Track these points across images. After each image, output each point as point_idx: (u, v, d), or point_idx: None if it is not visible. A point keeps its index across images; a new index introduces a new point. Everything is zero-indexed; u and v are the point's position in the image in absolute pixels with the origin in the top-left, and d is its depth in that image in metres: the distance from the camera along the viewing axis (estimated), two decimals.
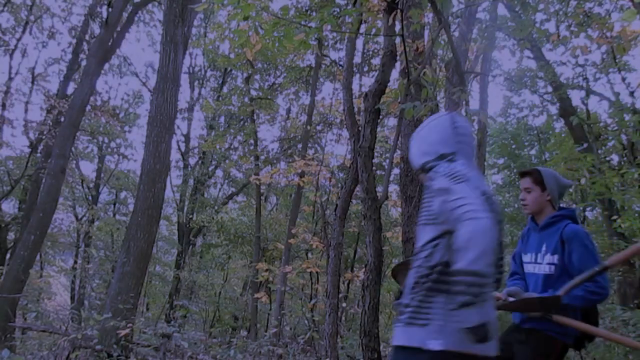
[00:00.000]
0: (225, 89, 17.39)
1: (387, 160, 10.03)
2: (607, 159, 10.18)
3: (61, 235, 17.95)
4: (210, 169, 18.09)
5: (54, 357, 6.12)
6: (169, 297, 14.81)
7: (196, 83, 18.66)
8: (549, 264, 2.55)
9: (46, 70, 18.12)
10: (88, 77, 9.72)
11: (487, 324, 1.51)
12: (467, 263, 1.44)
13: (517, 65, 12.71)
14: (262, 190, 15.34)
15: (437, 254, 1.65)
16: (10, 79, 14.69)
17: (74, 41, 14.42)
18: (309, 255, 14.41)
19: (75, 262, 17.65)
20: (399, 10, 5.20)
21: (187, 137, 18.29)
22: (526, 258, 2.71)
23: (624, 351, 4.22)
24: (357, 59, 11.00)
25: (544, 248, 2.59)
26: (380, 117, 6.37)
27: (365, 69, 12.19)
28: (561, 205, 2.71)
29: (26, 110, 15.01)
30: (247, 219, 17.14)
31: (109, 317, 5.89)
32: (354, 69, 9.46)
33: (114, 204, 20.30)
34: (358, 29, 6.68)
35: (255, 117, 14.97)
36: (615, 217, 8.18)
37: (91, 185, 18.68)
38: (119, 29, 10.27)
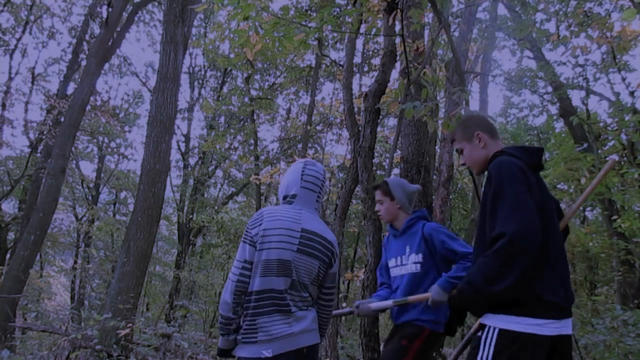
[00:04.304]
0: (225, 89, 17.39)
1: (387, 160, 10.01)
2: (607, 159, 10.17)
3: (61, 235, 17.94)
4: (210, 169, 18.09)
5: (54, 357, 6.12)
6: (169, 297, 14.80)
7: (196, 83, 18.66)
8: (414, 262, 2.76)
9: (46, 70, 18.22)
10: (88, 77, 9.71)
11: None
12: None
13: (517, 65, 12.72)
14: (262, 190, 15.34)
15: None
16: (10, 79, 14.70)
17: (74, 41, 14.43)
18: None
19: (75, 262, 17.65)
20: (399, 10, 5.20)
21: (187, 137, 18.29)
22: (391, 263, 2.92)
23: (624, 351, 4.22)
24: (357, 59, 11.01)
25: (407, 249, 2.81)
26: (380, 117, 6.37)
27: (365, 69, 12.19)
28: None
29: (26, 110, 15.03)
30: (247, 219, 17.12)
31: (109, 317, 5.88)
32: (354, 69, 9.45)
33: (114, 204, 20.31)
34: (358, 29, 6.68)
35: (255, 117, 14.97)
36: (615, 217, 8.18)
37: (91, 185, 18.68)
38: (119, 29, 10.26)
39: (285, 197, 2.23)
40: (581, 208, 13.82)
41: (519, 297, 1.74)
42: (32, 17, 14.85)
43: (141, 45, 44.79)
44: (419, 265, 2.73)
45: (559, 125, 12.32)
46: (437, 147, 7.07)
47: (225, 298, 2.06)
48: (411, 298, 2.65)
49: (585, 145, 8.53)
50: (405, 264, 2.80)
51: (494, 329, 1.76)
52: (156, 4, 13.76)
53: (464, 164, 2.17)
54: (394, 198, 2.87)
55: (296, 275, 2.07)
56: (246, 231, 2.09)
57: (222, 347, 2.16)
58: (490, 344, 1.74)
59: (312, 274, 2.12)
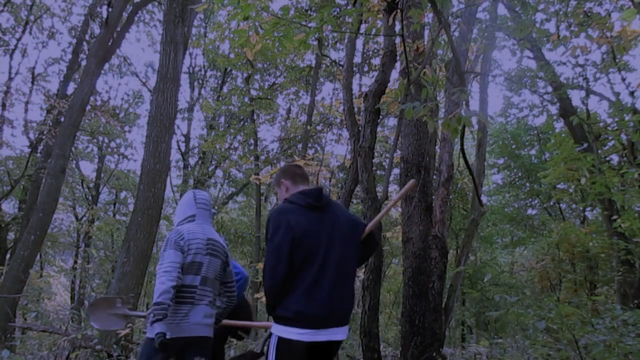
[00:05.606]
0: (225, 89, 17.38)
1: (387, 160, 10.02)
2: (607, 159, 10.17)
3: (61, 235, 17.94)
4: (210, 169, 18.08)
5: (54, 357, 6.13)
6: None
7: (196, 83, 18.65)
8: None
9: (46, 70, 18.19)
10: (88, 77, 9.71)
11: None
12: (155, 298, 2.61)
13: (517, 65, 12.71)
14: (262, 190, 15.34)
15: None
16: (10, 79, 14.72)
17: (74, 41, 14.44)
18: None
19: (75, 262, 17.65)
20: (399, 10, 5.20)
21: (187, 137, 18.28)
22: None
23: (624, 351, 4.22)
24: (357, 59, 11.00)
25: None
26: (380, 117, 6.37)
27: (365, 69, 12.19)
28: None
29: (26, 110, 15.04)
30: (247, 219, 17.15)
31: None
32: (354, 69, 9.45)
33: (114, 204, 20.30)
34: (358, 29, 6.68)
35: (255, 117, 14.96)
36: (615, 217, 8.18)
37: (91, 185, 18.68)
38: (119, 29, 10.26)
39: (185, 218, 2.93)
40: (580, 208, 13.81)
41: (288, 312, 2.33)
42: (32, 17, 14.85)
43: (141, 45, 44.81)
44: None
45: (559, 125, 12.32)
46: (437, 147, 7.06)
47: (168, 289, 2.59)
48: None
49: (585, 145, 8.52)
50: None
51: (275, 335, 2.39)
52: (156, 4, 13.77)
53: None
54: None
55: (205, 272, 2.81)
56: (175, 242, 2.74)
57: (163, 331, 2.56)
58: (273, 345, 2.38)
59: (216, 270, 2.90)
